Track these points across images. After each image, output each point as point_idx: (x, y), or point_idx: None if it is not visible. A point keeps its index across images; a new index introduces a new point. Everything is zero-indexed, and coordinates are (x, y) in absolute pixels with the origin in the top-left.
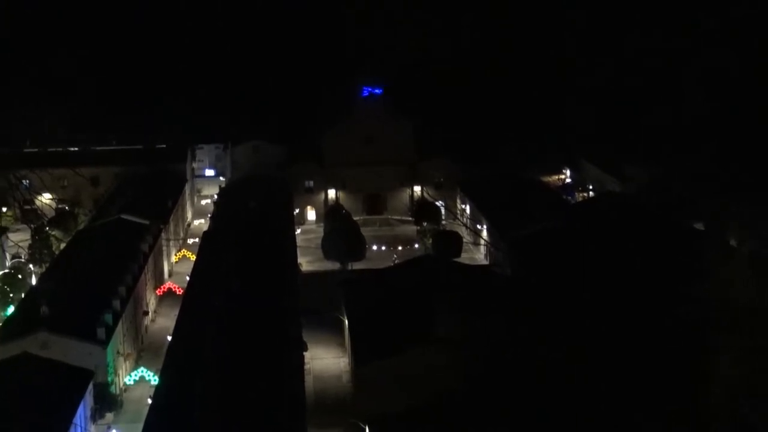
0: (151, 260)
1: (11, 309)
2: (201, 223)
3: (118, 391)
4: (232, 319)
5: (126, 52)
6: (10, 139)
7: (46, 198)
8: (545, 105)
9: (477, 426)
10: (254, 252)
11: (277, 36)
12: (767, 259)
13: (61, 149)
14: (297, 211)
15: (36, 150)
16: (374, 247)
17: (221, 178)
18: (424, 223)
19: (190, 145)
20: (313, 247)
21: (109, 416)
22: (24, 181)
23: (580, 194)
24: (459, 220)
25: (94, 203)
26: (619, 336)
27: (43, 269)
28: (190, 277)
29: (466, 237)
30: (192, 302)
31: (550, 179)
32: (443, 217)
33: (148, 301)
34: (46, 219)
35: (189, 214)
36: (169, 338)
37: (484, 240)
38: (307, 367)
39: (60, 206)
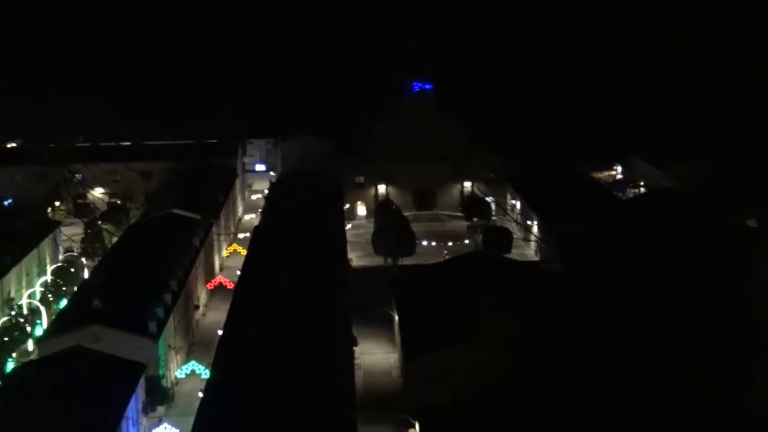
0: (202, 255)
1: (64, 302)
2: (252, 218)
3: (169, 385)
4: (282, 313)
5: (180, 47)
6: (63, 133)
7: (98, 192)
8: (596, 101)
9: (525, 423)
10: (304, 247)
11: (326, 32)
12: None
13: (113, 144)
14: (347, 206)
15: (88, 145)
16: (424, 243)
17: (272, 173)
18: (474, 219)
19: (241, 140)
20: (363, 243)
21: (161, 409)
22: (77, 176)
23: (631, 190)
24: (509, 215)
25: (146, 197)
26: (670, 335)
27: (96, 263)
28: (241, 271)
29: (516, 233)
30: (243, 297)
31: (601, 175)
32: (493, 213)
33: (199, 295)
34: (99, 213)
35: (240, 209)
36: (220, 332)
37: (535, 236)
38: (357, 362)
39: (112, 200)
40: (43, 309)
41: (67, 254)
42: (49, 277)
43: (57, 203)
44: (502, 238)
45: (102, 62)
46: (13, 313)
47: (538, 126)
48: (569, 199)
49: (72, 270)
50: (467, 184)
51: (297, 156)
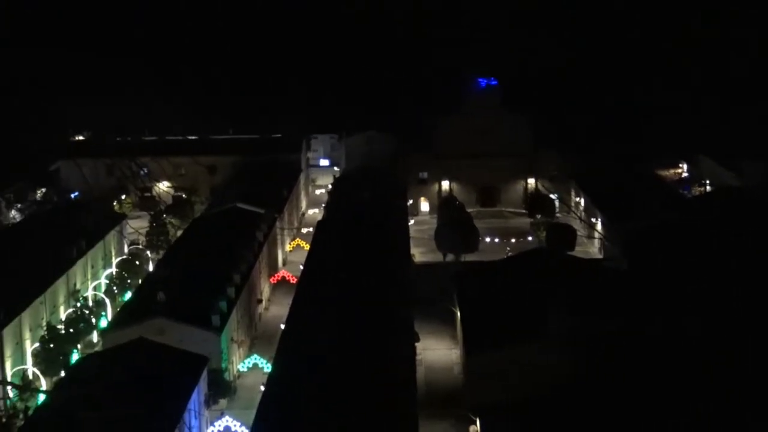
0: (265, 249)
1: (128, 295)
2: (315, 213)
3: (231, 378)
4: (344, 308)
5: (244, 42)
6: (130, 127)
7: (164, 186)
8: (662, 98)
9: (586, 422)
10: (367, 242)
11: (393, 27)
12: None
13: (179, 138)
14: (410, 202)
15: (155, 138)
16: (487, 239)
17: (335, 168)
18: (538, 216)
19: (305, 135)
20: (426, 239)
21: (223, 402)
22: (143, 169)
23: (697, 189)
24: (573, 213)
25: (211, 191)
26: (736, 336)
27: (160, 256)
28: (304, 266)
29: (580, 230)
30: (305, 291)
31: (667, 173)
32: (557, 210)
33: (262, 289)
34: (164, 206)
35: (303, 204)
36: (282, 326)
37: (599, 233)
38: (418, 357)
39: (177, 194)
40: (107, 301)
41: (132, 247)
42: (114, 270)
43: (123, 196)
44: (566, 236)
45: (169, 57)
46: (78, 304)
47: (604, 123)
48: (634, 197)
49: (137, 263)
50: (531, 181)
51: (361, 151)
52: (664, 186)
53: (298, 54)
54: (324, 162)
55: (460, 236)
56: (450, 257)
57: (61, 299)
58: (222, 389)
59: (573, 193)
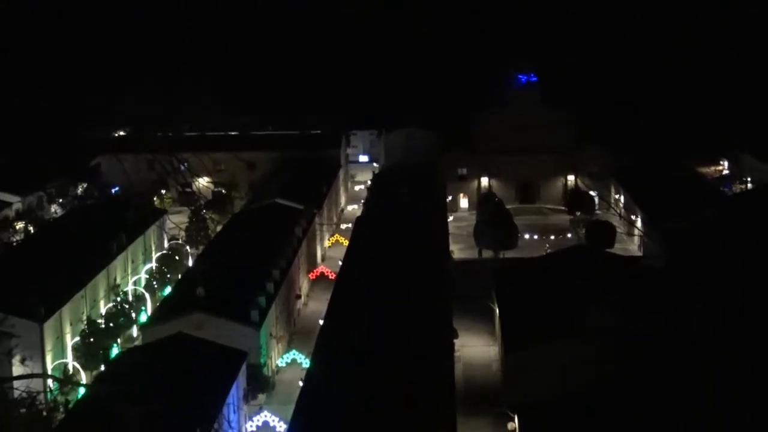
0: (304, 244)
1: (168, 289)
2: (354, 209)
3: (270, 373)
4: (383, 304)
5: (284, 37)
6: (170, 123)
7: (203, 181)
8: (703, 95)
9: (625, 421)
10: (406, 238)
11: (433, 22)
12: None
13: (219, 134)
14: (450, 198)
15: (195, 134)
16: (526, 236)
17: (375, 164)
18: (578, 213)
19: (344, 131)
20: (465, 235)
21: (261, 397)
22: (183, 165)
23: (738, 186)
24: (613, 210)
25: (250, 187)
26: None
27: (200, 251)
28: (343, 261)
29: (620, 227)
30: (344, 287)
31: (707, 170)
32: (597, 207)
33: (300, 284)
34: (204, 201)
35: (342, 200)
36: (321, 322)
37: (639, 231)
38: (457, 354)
39: (217, 189)
40: (147, 296)
41: (172, 242)
42: (154, 265)
43: (163, 191)
44: (606, 233)
45: (210, 53)
46: (118, 299)
47: (644, 119)
48: (674, 194)
49: (176, 258)
50: (571, 178)
51: (400, 148)
52: (705, 183)
53: (338, 49)
54: (363, 158)
55: (499, 233)
56: (488, 253)
57: (102, 294)
58: (260, 384)
59: (613, 190)
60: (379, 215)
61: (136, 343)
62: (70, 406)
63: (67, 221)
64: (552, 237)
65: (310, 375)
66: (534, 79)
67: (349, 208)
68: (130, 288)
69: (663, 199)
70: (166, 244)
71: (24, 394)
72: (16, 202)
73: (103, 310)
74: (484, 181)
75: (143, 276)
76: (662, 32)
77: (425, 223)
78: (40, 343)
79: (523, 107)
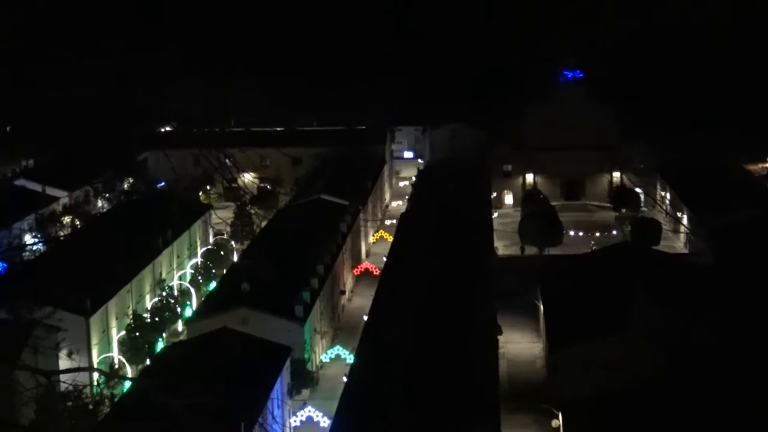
0: (349, 240)
1: (213, 284)
2: (399, 205)
3: (314, 368)
4: (427, 301)
5: (330, 33)
6: (215, 118)
7: (249, 176)
8: (750, 91)
9: (670, 419)
10: (451, 235)
11: (479, 19)
12: None
13: (265, 129)
14: (494, 194)
15: (241, 129)
16: (571, 233)
17: (419, 161)
18: (623, 210)
19: (389, 127)
20: (510, 232)
21: (305, 392)
22: (228, 160)
23: None
24: (659, 206)
25: (295, 182)
26: None
27: (245, 246)
28: (387, 257)
29: (666, 224)
30: (388, 283)
31: (754, 167)
32: (642, 204)
33: (345, 280)
34: (249, 197)
35: (387, 196)
36: (365, 318)
37: (685, 228)
38: (501, 351)
39: (262, 185)
40: (192, 290)
41: (217, 237)
42: (199, 260)
43: (209, 187)
44: (651, 230)
45: (255, 49)
46: (164, 294)
47: (691, 115)
48: (721, 191)
49: (221, 253)
50: (616, 175)
51: (445, 144)
52: (752, 180)
53: (384, 45)
54: (408, 154)
55: (544, 229)
56: (531, 250)
57: (147, 288)
58: (304, 379)
59: (659, 187)
60: (424, 211)
61: (181, 337)
62: (116, 399)
63: (114, 216)
64: (597, 234)
65: (354, 371)
66: (580, 75)
67: (394, 204)
68: (175, 283)
69: (709, 196)
70: (211, 240)
71: (70, 388)
72: (64, 197)
73: (148, 305)
74: (529, 177)
75: (188, 271)
76: (711, 27)
77: (470, 219)
78: (86, 337)
79: (569, 104)
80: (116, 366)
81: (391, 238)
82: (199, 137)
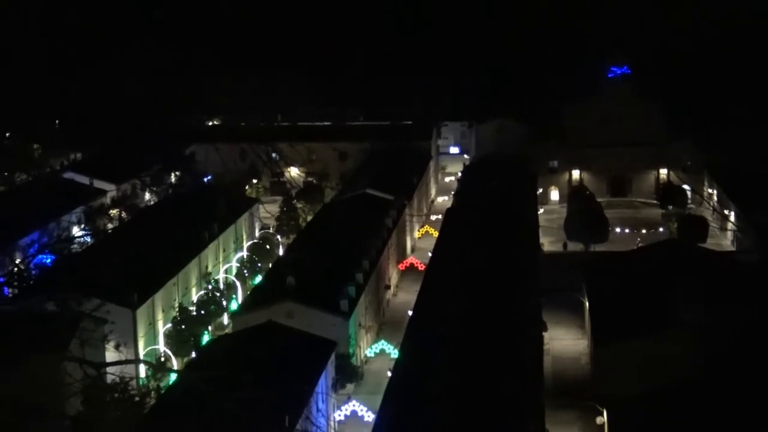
0: (394, 235)
1: (259, 278)
2: (444, 200)
3: (358, 363)
4: (472, 296)
5: (377, 30)
6: (262, 113)
7: (295, 171)
8: None
9: (716, 417)
10: (496, 231)
11: (520, 16)
12: None
13: (311, 124)
14: (540, 190)
15: (287, 124)
16: (617, 230)
17: (465, 156)
18: (670, 207)
19: (435, 122)
20: (556, 228)
21: (350, 387)
22: (275, 154)
23: None
24: (706, 203)
25: (341, 177)
26: None
27: (290, 240)
28: (433, 253)
29: (713, 222)
30: (433, 278)
31: None
32: (689, 201)
33: (390, 275)
34: (295, 191)
35: (433, 191)
36: (410, 313)
37: (732, 225)
38: (546, 347)
39: (308, 179)
40: (238, 284)
41: (263, 231)
42: (245, 253)
43: (255, 180)
44: (698, 227)
45: (302, 43)
46: (210, 287)
47: (739, 112)
48: None
49: (267, 247)
50: (663, 171)
51: (491, 139)
52: None
53: (431, 40)
54: (454, 149)
55: (590, 226)
56: (577, 246)
57: (193, 281)
58: (349, 374)
59: (706, 184)
60: (470, 207)
61: (227, 330)
62: (162, 392)
63: (161, 209)
64: (643, 231)
65: (398, 365)
66: (627, 71)
67: (439, 199)
68: (221, 276)
69: (757, 194)
70: (257, 233)
71: (117, 379)
72: (112, 190)
73: (194, 298)
74: (575, 173)
75: (234, 264)
76: (757, 23)
77: (515, 215)
78: (132, 329)
79: (616, 100)
80: (162, 358)
81: (436, 234)
82: (246, 131)
